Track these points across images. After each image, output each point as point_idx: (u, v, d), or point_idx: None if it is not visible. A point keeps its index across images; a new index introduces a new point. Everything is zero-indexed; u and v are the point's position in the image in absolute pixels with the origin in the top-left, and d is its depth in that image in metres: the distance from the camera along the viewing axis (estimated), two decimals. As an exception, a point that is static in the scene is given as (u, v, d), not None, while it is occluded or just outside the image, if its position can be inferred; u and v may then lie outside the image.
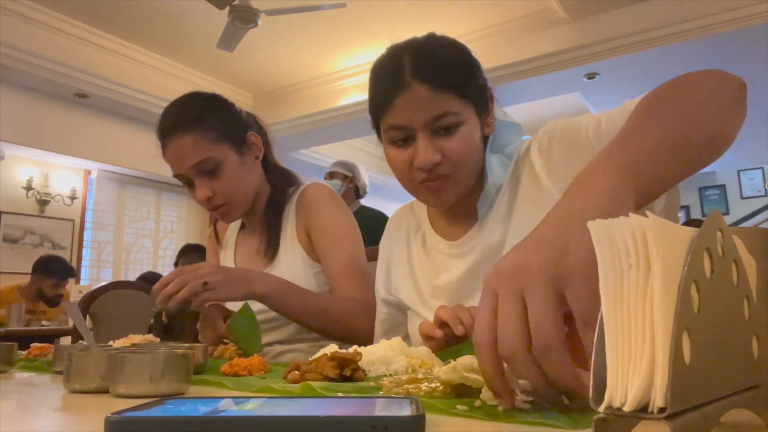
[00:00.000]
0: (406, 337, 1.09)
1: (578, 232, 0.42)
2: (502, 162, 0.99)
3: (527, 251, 0.44)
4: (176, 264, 4.48)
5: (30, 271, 4.36)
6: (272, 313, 1.22)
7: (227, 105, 1.32)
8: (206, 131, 1.22)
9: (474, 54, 0.96)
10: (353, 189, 3.45)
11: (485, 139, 0.97)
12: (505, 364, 0.43)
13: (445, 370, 0.52)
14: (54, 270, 4.29)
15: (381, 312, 1.15)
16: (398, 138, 0.92)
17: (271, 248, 1.33)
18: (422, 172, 0.90)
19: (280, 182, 1.39)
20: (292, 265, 1.31)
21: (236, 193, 1.26)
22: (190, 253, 4.28)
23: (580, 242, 0.42)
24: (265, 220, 1.36)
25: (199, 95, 1.31)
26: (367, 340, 1.16)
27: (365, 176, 3.52)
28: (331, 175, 3.44)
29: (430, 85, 0.87)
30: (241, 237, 1.46)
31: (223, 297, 1.08)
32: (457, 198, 0.95)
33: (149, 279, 4.72)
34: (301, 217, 1.34)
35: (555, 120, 0.96)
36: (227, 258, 1.44)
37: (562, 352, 0.40)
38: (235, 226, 1.48)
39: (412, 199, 1.16)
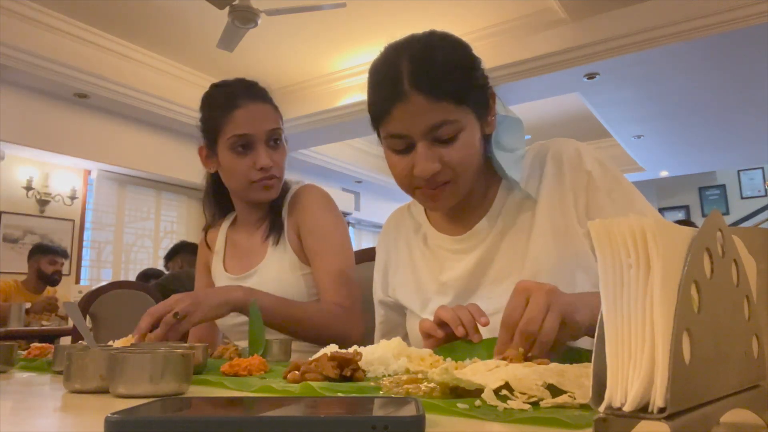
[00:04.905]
0: (405, 338, 1.09)
1: (581, 311, 0.73)
2: (515, 160, 0.98)
3: (557, 290, 0.73)
4: (168, 261, 4.41)
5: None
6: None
7: None
8: (276, 107, 1.40)
9: (474, 51, 0.94)
10: None
11: (487, 137, 0.96)
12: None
13: (438, 372, 0.52)
14: (48, 248, 4.47)
15: (378, 314, 1.15)
16: (398, 147, 0.91)
17: (274, 232, 1.36)
18: (422, 180, 0.90)
19: None
20: (280, 264, 1.33)
21: (282, 170, 1.37)
22: (185, 252, 4.23)
23: (581, 316, 0.73)
24: (269, 208, 1.39)
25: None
26: (347, 344, 1.17)
27: None
28: None
29: (428, 94, 0.86)
30: (231, 236, 1.47)
31: (199, 319, 1.09)
32: (455, 202, 0.95)
33: (148, 276, 4.71)
34: (293, 218, 1.36)
35: (611, 167, 0.97)
36: (217, 262, 1.46)
37: (548, 347, 0.69)
38: (222, 233, 1.49)
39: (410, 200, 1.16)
